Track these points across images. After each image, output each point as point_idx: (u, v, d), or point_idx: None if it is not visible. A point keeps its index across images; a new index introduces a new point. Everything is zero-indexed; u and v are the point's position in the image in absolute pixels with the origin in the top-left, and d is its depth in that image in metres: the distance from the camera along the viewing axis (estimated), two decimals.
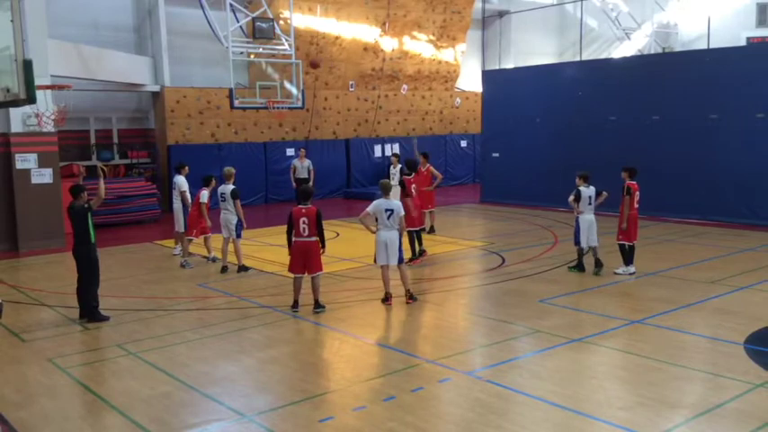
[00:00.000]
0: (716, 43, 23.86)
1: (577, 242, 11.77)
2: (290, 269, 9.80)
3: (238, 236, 12.43)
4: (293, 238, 9.63)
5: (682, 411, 6.29)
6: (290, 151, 22.92)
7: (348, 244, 14.77)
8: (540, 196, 19.53)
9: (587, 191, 11.64)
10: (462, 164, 27.95)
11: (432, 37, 26.30)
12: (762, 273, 11.49)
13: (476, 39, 29.67)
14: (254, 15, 19.90)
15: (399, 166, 15.99)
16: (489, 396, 6.67)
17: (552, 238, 15.18)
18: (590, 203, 11.64)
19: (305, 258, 9.64)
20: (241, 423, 6.28)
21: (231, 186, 12.37)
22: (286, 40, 20.30)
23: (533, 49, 29.27)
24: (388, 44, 25.22)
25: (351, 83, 25.16)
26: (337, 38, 23.86)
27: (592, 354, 7.93)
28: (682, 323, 8.90)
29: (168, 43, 21.27)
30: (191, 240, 13.28)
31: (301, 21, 22.49)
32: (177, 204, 13.49)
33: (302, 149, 20.50)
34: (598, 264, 11.63)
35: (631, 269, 11.55)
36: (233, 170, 12.68)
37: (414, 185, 12.91)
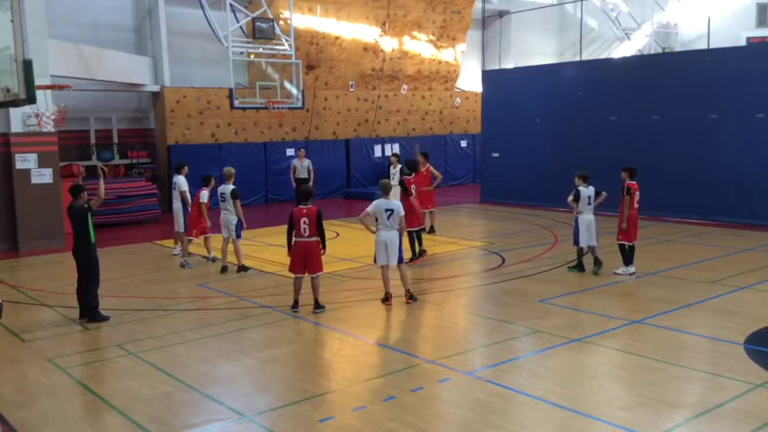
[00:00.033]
0: (716, 43, 23.87)
1: (576, 242, 11.78)
2: (291, 269, 9.79)
3: (238, 236, 12.43)
4: (294, 239, 9.63)
5: (682, 411, 6.29)
6: (290, 151, 22.92)
7: (348, 244, 14.77)
8: (540, 196, 19.52)
9: (586, 191, 11.64)
10: (462, 164, 27.95)
11: (432, 37, 26.30)
12: (762, 273, 11.49)
13: (476, 39, 29.67)
14: (254, 15, 19.90)
15: (399, 166, 15.99)
16: (489, 396, 6.67)
17: (552, 238, 15.18)
18: (589, 203, 11.64)
19: (306, 258, 9.64)
20: (241, 423, 6.28)
21: (231, 186, 12.37)
22: (286, 41, 20.30)
23: (533, 49, 29.27)
24: (388, 44, 25.22)
25: (351, 83, 25.16)
26: (337, 38, 23.86)
27: (592, 354, 7.93)
28: (682, 323, 8.90)
29: (168, 43, 21.27)
30: (190, 240, 13.28)
31: (301, 21, 22.50)
32: (177, 204, 13.49)
33: (302, 149, 20.49)
34: (597, 262, 11.64)
35: (631, 269, 11.55)
36: (233, 170, 12.67)
37: (413, 186, 12.91)
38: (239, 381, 7.40)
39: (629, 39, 31.07)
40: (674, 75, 17.45)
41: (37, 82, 7.98)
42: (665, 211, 16.98)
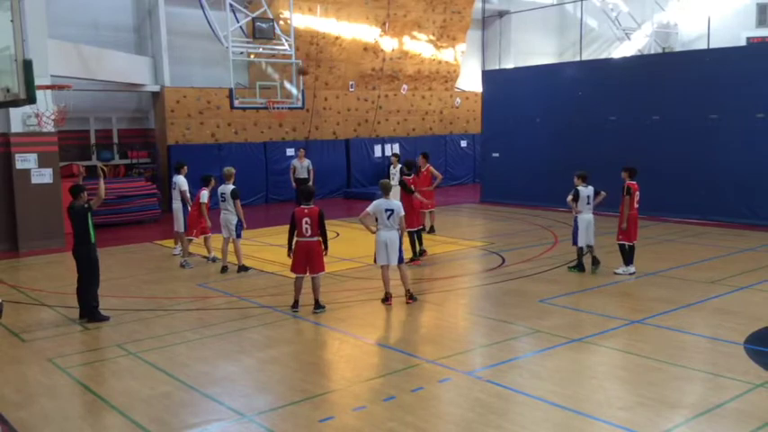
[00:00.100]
0: (716, 43, 23.86)
1: (575, 242, 11.80)
2: (293, 269, 9.79)
3: (238, 236, 12.43)
4: (296, 239, 9.63)
5: (682, 411, 6.29)
6: (290, 151, 22.91)
7: (348, 244, 14.77)
8: (540, 196, 19.53)
9: (586, 190, 11.65)
10: (462, 164, 27.95)
11: (432, 37, 26.30)
12: (762, 273, 11.49)
13: (476, 39, 29.67)
14: (254, 15, 19.90)
15: (399, 166, 15.99)
16: (489, 396, 6.67)
17: (552, 238, 15.18)
18: (588, 203, 11.65)
19: (307, 258, 9.64)
20: (241, 423, 6.28)
21: (231, 186, 12.37)
22: (286, 41, 20.30)
23: (533, 49, 29.27)
24: (388, 44, 25.22)
25: (351, 83, 25.16)
26: (337, 38, 23.86)
27: (592, 354, 7.93)
28: (682, 323, 8.90)
29: (168, 43, 21.27)
30: (191, 240, 13.28)
31: (301, 21, 22.50)
32: (177, 204, 13.49)
33: (301, 149, 20.48)
34: (595, 262, 11.67)
35: (631, 269, 11.56)
36: (233, 170, 12.67)
37: (413, 186, 12.91)
38: (239, 381, 7.40)
39: (629, 39, 31.07)
40: (674, 75, 17.45)
41: (37, 82, 7.98)
42: (665, 211, 16.98)
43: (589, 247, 11.75)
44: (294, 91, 20.47)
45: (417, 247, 12.95)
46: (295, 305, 9.81)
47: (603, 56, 29.77)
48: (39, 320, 9.81)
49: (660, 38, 31.50)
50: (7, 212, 15.16)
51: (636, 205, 11.55)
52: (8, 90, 7.63)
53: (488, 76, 23.00)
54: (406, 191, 12.71)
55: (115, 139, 21.64)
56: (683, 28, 32.02)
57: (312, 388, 7.02)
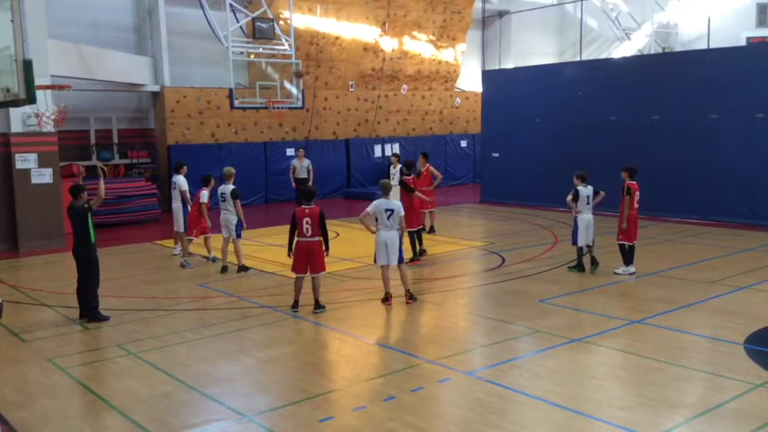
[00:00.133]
0: (716, 43, 23.86)
1: (575, 242, 11.80)
2: (294, 269, 9.79)
3: (238, 236, 12.43)
4: (296, 239, 9.63)
5: (682, 411, 6.29)
6: (290, 151, 22.91)
7: (348, 244, 14.76)
8: (540, 196, 19.52)
9: (585, 190, 11.65)
10: (462, 164, 27.95)
11: (432, 37, 26.30)
12: (762, 273, 11.49)
13: (476, 39, 29.67)
14: (254, 15, 19.91)
15: (399, 165, 15.99)
16: (489, 396, 6.67)
17: (552, 238, 15.18)
18: (588, 203, 11.66)
19: (308, 258, 9.63)
20: (241, 423, 6.28)
21: (231, 186, 12.37)
22: (286, 41, 20.31)
23: (533, 49, 29.27)
24: (388, 44, 25.22)
25: (351, 83, 25.17)
26: (337, 38, 23.86)
27: (592, 354, 7.93)
28: (682, 323, 8.90)
29: (168, 43, 21.26)
30: (191, 240, 13.29)
31: (301, 21, 22.49)
32: (176, 204, 13.50)
33: (301, 149, 20.47)
34: (594, 262, 11.68)
35: (631, 269, 11.56)
36: (233, 170, 12.67)
37: (413, 186, 12.92)
38: (239, 381, 7.40)
39: (629, 39, 31.07)
40: (674, 75, 17.45)
41: (37, 82, 7.98)
42: (665, 211, 16.98)
43: (589, 247, 11.75)
44: (294, 91, 20.47)
45: (417, 247, 12.95)
46: (295, 305, 9.81)
47: (603, 56, 29.77)
48: (39, 320, 9.81)
49: (660, 38, 31.50)
50: (7, 212, 15.16)
51: (636, 205, 11.55)
52: (8, 90, 7.63)
53: (488, 76, 23.00)
54: (406, 190, 12.71)
55: (115, 139, 21.65)
56: (683, 28, 32.03)
57: (312, 388, 7.02)
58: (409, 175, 13.16)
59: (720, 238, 14.72)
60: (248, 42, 20.18)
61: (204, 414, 6.54)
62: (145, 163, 21.76)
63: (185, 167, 13.67)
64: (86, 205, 9.45)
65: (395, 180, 15.11)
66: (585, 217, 11.66)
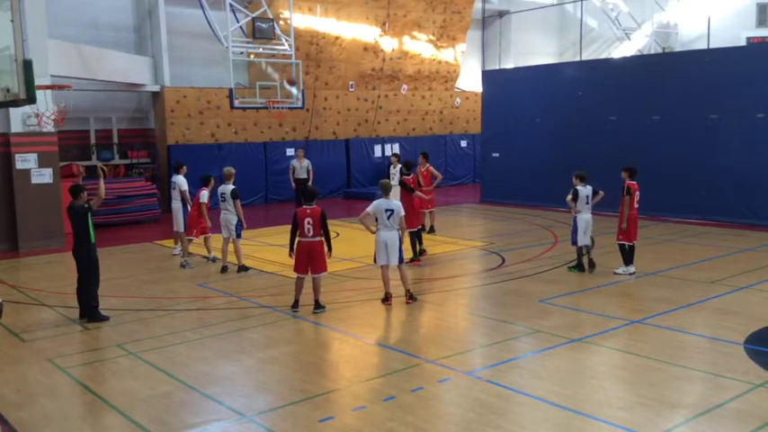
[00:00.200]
0: (716, 43, 23.86)
1: (575, 242, 11.80)
2: (295, 269, 9.78)
3: (238, 236, 12.43)
4: (298, 239, 9.62)
5: (682, 411, 6.29)
6: (289, 151, 22.90)
7: (348, 244, 14.76)
8: (540, 196, 19.53)
9: (584, 190, 11.66)
10: (462, 164, 27.95)
11: (432, 37, 26.29)
12: (762, 273, 11.49)
13: (476, 39, 29.67)
14: (254, 15, 19.90)
15: (399, 165, 15.99)
16: (489, 396, 6.67)
17: (552, 238, 15.18)
18: (587, 203, 11.66)
19: (309, 258, 9.63)
20: (241, 423, 6.28)
21: (231, 186, 12.37)
22: (286, 40, 20.30)
23: (533, 49, 29.27)
24: (388, 44, 25.22)
25: (351, 83, 25.16)
26: (337, 38, 23.86)
27: (592, 354, 7.93)
28: (682, 323, 8.90)
29: (168, 43, 21.26)
30: (191, 240, 13.29)
31: (301, 21, 22.50)
32: (176, 204, 13.50)
33: (301, 150, 20.45)
34: (591, 264, 11.70)
35: (631, 269, 11.56)
36: (233, 170, 12.67)
37: (413, 186, 12.92)
38: (239, 381, 7.40)
39: (629, 39, 31.07)
40: (674, 75, 17.45)
41: (37, 82, 7.98)
42: (665, 211, 16.98)
43: (588, 248, 11.74)
44: (294, 91, 20.46)
45: (417, 247, 12.95)
46: (295, 305, 9.81)
47: (603, 56, 29.77)
48: (39, 320, 9.81)
49: (660, 38, 31.50)
50: (7, 212, 15.16)
51: (636, 205, 11.55)
52: (8, 90, 7.63)
53: (488, 76, 23.00)
54: (407, 190, 12.72)
55: (115, 139, 21.64)
56: (683, 28, 32.02)
57: (312, 388, 7.02)
58: (409, 175, 13.17)
59: (720, 238, 14.72)
60: (248, 42, 20.18)
61: (204, 414, 6.54)
62: (145, 163, 21.76)
63: (185, 167, 13.68)
64: (86, 205, 9.45)
65: (395, 180, 15.12)
66: (585, 217, 11.66)
